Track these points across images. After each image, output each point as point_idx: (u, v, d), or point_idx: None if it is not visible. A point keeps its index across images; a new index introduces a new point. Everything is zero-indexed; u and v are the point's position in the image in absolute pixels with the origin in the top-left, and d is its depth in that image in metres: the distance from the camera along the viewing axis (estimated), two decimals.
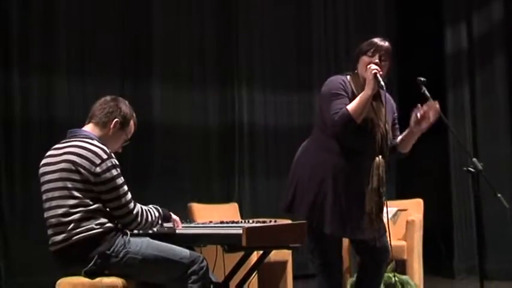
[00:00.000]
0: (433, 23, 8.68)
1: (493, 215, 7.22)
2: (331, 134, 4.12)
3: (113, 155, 3.69)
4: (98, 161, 3.62)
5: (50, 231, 3.69)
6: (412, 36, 8.99)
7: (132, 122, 3.88)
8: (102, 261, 3.58)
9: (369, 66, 4.12)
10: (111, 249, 3.60)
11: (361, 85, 4.17)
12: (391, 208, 6.42)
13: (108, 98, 3.87)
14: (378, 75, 4.08)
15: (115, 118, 3.79)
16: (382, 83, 4.06)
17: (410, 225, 6.68)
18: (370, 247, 4.27)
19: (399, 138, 4.32)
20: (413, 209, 6.92)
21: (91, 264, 3.58)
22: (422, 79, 4.34)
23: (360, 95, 4.07)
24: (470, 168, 4.22)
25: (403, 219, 6.66)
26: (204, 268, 3.71)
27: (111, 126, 3.79)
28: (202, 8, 7.98)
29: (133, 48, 7.54)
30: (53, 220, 3.67)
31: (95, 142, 3.70)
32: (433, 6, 8.67)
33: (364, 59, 4.18)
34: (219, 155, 7.97)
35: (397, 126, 4.38)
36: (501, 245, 7.83)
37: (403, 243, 6.70)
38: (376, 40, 4.23)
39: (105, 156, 3.64)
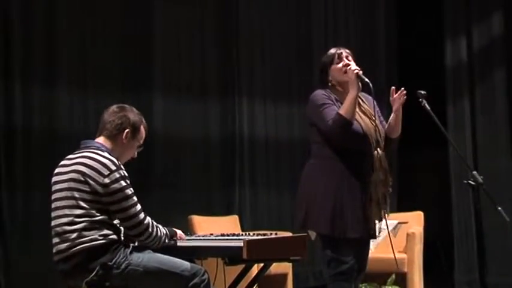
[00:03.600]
0: (433, 35, 8.71)
1: (493, 227, 7.24)
2: (329, 144, 4.24)
3: (122, 166, 3.72)
4: (106, 172, 3.64)
5: (55, 240, 3.71)
6: (412, 48, 9.02)
7: (142, 128, 3.91)
8: (104, 272, 3.59)
9: (348, 68, 4.26)
10: (113, 261, 3.61)
11: (340, 93, 4.32)
12: (391, 221, 6.43)
13: (115, 108, 3.89)
14: (360, 73, 4.22)
15: (125, 129, 3.82)
16: (367, 79, 4.20)
17: (411, 237, 6.69)
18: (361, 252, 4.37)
19: (386, 125, 4.45)
20: (414, 221, 6.93)
21: (92, 275, 3.59)
22: (422, 92, 4.37)
23: (347, 97, 4.20)
24: (470, 181, 4.23)
25: (404, 232, 6.66)
26: (205, 281, 3.71)
27: (123, 137, 3.83)
28: (203, 20, 7.99)
29: (135, 60, 7.55)
30: (58, 229, 3.69)
31: (105, 154, 3.73)
32: (433, 19, 8.70)
33: (335, 67, 4.34)
34: (219, 167, 7.97)
35: (381, 118, 4.51)
36: (502, 258, 7.83)
37: (404, 255, 6.70)
38: (332, 50, 4.40)
39: (113, 168, 3.66)
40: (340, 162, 4.24)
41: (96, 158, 3.69)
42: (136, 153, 3.95)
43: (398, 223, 6.52)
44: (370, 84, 4.19)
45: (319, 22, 8.73)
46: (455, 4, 8.52)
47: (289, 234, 4.21)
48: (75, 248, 3.62)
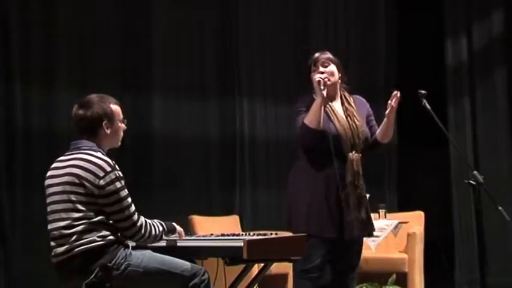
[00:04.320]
0: (433, 35, 8.71)
1: (494, 227, 7.22)
2: (304, 148, 4.49)
3: (117, 167, 3.69)
4: (101, 174, 3.62)
5: (52, 243, 3.69)
6: (412, 48, 9.02)
7: (114, 109, 3.80)
8: (103, 273, 3.57)
9: (313, 77, 4.45)
10: (113, 262, 3.59)
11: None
12: (392, 220, 6.44)
13: (79, 110, 3.76)
14: (322, 82, 4.39)
15: (102, 122, 3.75)
16: (322, 88, 4.37)
17: (412, 237, 6.68)
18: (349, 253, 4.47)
19: (378, 130, 4.58)
20: (415, 221, 6.93)
21: (92, 276, 3.57)
22: (423, 92, 4.38)
23: (313, 105, 4.40)
24: (471, 181, 4.24)
25: (404, 232, 6.66)
26: (206, 281, 3.71)
27: (104, 129, 3.76)
28: (203, 19, 7.98)
29: (134, 59, 7.53)
30: (55, 232, 3.67)
31: (99, 154, 3.70)
32: (433, 18, 8.70)
33: (312, 74, 4.50)
34: (219, 167, 7.96)
35: (373, 123, 4.64)
36: (502, 258, 7.83)
37: (404, 255, 6.70)
38: (316, 54, 4.59)
39: (108, 169, 3.64)
40: (317, 164, 4.41)
41: (90, 160, 3.66)
42: (124, 126, 3.87)
43: (399, 223, 6.52)
44: (324, 93, 4.36)
45: (318, 22, 8.72)
46: (456, 3, 8.52)
47: (290, 234, 4.21)
48: (74, 251, 3.60)
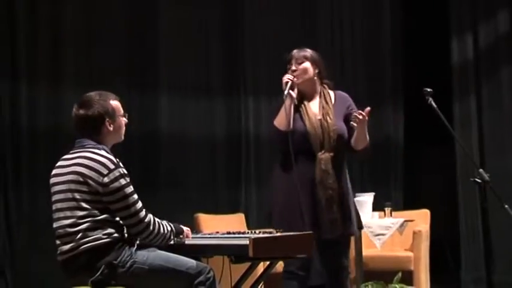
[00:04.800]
0: (439, 33, 8.70)
1: (500, 226, 7.20)
2: (278, 148, 4.52)
3: (121, 164, 3.70)
4: (105, 171, 3.62)
5: (57, 241, 3.70)
6: (418, 46, 9.01)
7: (114, 105, 3.81)
8: (109, 271, 3.58)
9: (283, 77, 4.49)
10: (118, 260, 3.60)
11: (301, 95, 4.52)
12: (398, 219, 6.43)
13: (80, 110, 3.78)
14: (289, 82, 4.42)
15: (104, 121, 3.76)
16: (285, 91, 4.40)
17: (417, 236, 6.68)
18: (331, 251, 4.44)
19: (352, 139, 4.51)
20: (420, 219, 6.92)
21: (98, 274, 3.58)
22: (428, 90, 4.37)
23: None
24: (477, 179, 4.23)
25: (410, 230, 6.66)
26: (211, 279, 3.71)
27: (107, 127, 3.77)
28: (208, 18, 7.98)
29: (140, 58, 7.54)
30: (61, 231, 3.68)
31: (102, 152, 3.70)
32: (439, 16, 8.69)
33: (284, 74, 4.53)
34: (225, 165, 7.97)
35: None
36: (508, 256, 7.81)
37: (410, 254, 6.70)
38: (290, 52, 4.60)
39: (112, 167, 3.64)
40: (289, 164, 4.38)
41: (94, 158, 3.66)
42: (126, 119, 3.87)
43: (405, 221, 6.51)
44: (284, 97, 4.38)
45: (324, 21, 8.71)
46: (461, 2, 8.50)
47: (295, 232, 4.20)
48: (80, 249, 3.61)
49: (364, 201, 6.26)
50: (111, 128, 3.79)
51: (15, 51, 6.83)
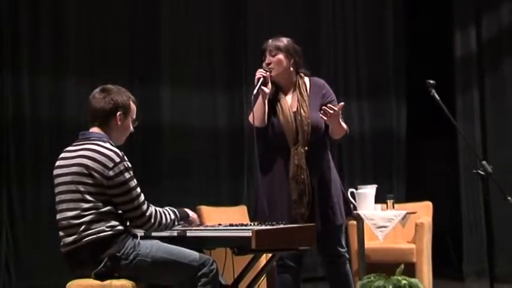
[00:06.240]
0: (442, 25, 8.68)
1: (502, 217, 7.21)
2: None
3: (125, 157, 3.70)
4: (110, 165, 3.63)
5: (61, 233, 3.70)
6: (421, 39, 9.00)
7: (132, 104, 3.84)
8: (112, 263, 3.59)
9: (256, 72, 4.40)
10: (121, 252, 3.61)
11: (279, 87, 4.48)
12: (400, 211, 6.43)
13: (100, 93, 3.78)
14: (261, 80, 4.33)
15: (117, 112, 3.77)
16: (256, 88, 4.35)
17: (420, 228, 6.67)
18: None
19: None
20: (423, 211, 6.91)
21: (101, 266, 3.59)
22: (431, 82, 4.36)
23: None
24: (479, 171, 4.22)
25: (412, 222, 6.65)
26: (214, 271, 3.72)
27: (117, 120, 3.78)
28: (211, 9, 7.99)
29: (142, 49, 7.55)
30: (64, 222, 3.68)
31: (107, 145, 3.70)
32: (442, 9, 8.67)
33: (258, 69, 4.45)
34: (228, 158, 7.97)
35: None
36: (510, 248, 7.81)
37: (412, 246, 6.69)
38: (265, 42, 4.50)
39: (117, 160, 3.65)
40: (267, 159, 4.40)
41: (99, 150, 3.66)
42: (133, 128, 3.89)
43: (407, 213, 6.50)
44: (254, 94, 4.34)
45: (327, 14, 8.69)
46: None
47: (298, 224, 4.21)
48: (83, 240, 3.61)
49: (367, 193, 6.25)
50: (119, 124, 3.79)
51: (18, 43, 6.83)
